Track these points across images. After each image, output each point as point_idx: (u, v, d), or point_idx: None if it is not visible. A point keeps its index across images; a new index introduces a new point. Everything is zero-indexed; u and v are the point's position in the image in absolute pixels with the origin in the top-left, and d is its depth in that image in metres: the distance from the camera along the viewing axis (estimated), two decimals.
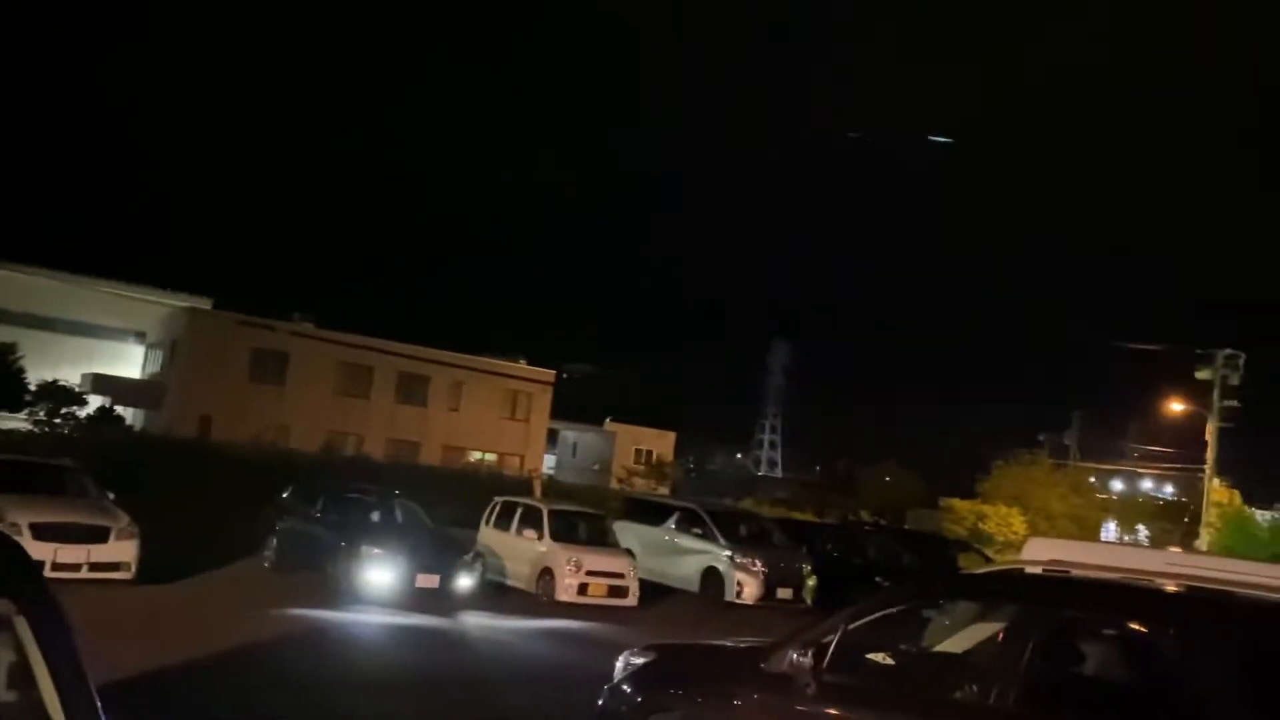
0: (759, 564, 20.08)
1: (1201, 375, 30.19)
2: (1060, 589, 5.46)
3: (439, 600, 15.42)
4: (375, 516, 17.63)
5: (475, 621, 14.85)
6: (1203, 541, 30.67)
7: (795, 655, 5.47)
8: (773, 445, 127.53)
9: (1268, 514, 40.36)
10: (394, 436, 42.70)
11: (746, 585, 19.83)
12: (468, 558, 16.37)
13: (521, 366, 47.99)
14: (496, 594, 17.10)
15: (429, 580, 15.58)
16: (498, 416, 46.71)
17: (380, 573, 15.38)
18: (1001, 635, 5.33)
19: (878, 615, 5.75)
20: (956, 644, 6.01)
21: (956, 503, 36.84)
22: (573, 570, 17.48)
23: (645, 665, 6.62)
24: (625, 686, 6.60)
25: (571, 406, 53.19)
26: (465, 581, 15.87)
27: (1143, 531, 40.94)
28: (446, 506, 21.25)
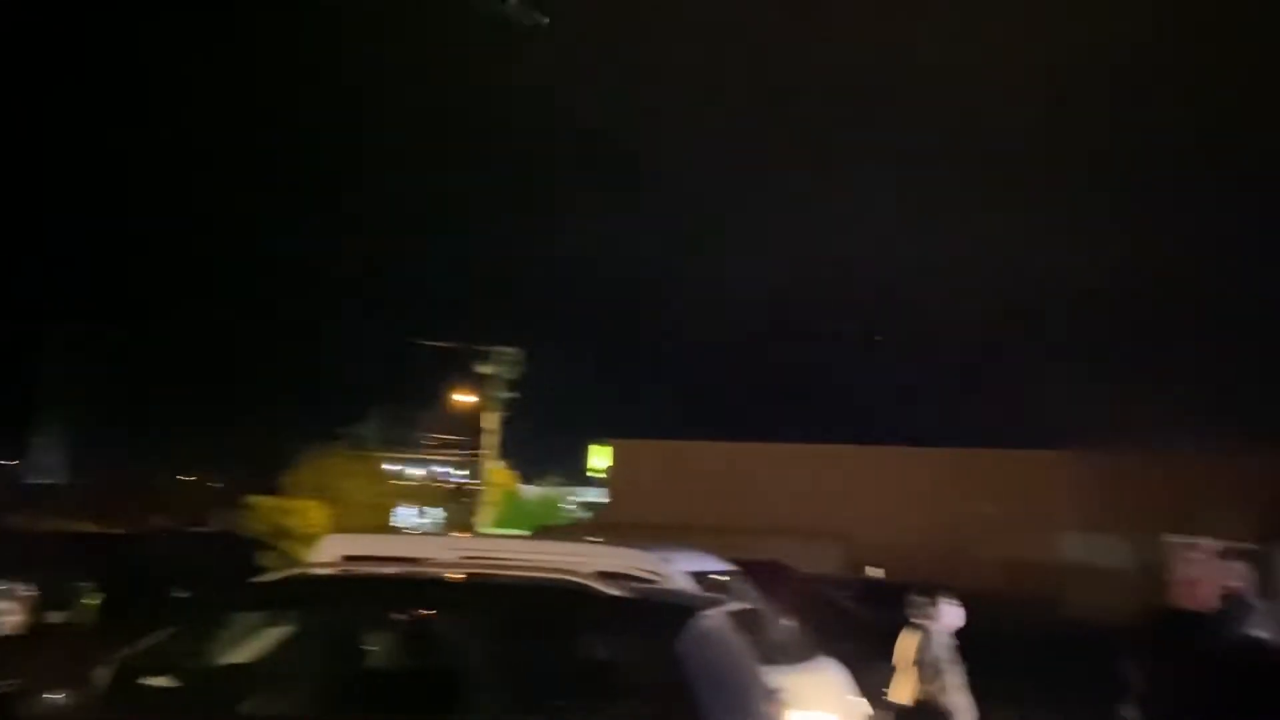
0: (19, 588, 17.70)
1: (483, 369, 33.68)
2: (342, 587, 5.54)
3: None
4: None
5: None
6: (483, 519, 34.19)
7: (63, 693, 4.85)
8: (52, 448, 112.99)
9: (540, 489, 46.54)
10: None
11: (4, 614, 17.36)
12: None
13: None
14: None
15: None
16: None
17: None
18: (290, 639, 5.27)
19: (164, 634, 5.34)
20: (246, 653, 5.82)
21: (261, 500, 36.16)
22: None
23: None
24: None
25: None
26: None
27: (440, 513, 44.37)
28: None
